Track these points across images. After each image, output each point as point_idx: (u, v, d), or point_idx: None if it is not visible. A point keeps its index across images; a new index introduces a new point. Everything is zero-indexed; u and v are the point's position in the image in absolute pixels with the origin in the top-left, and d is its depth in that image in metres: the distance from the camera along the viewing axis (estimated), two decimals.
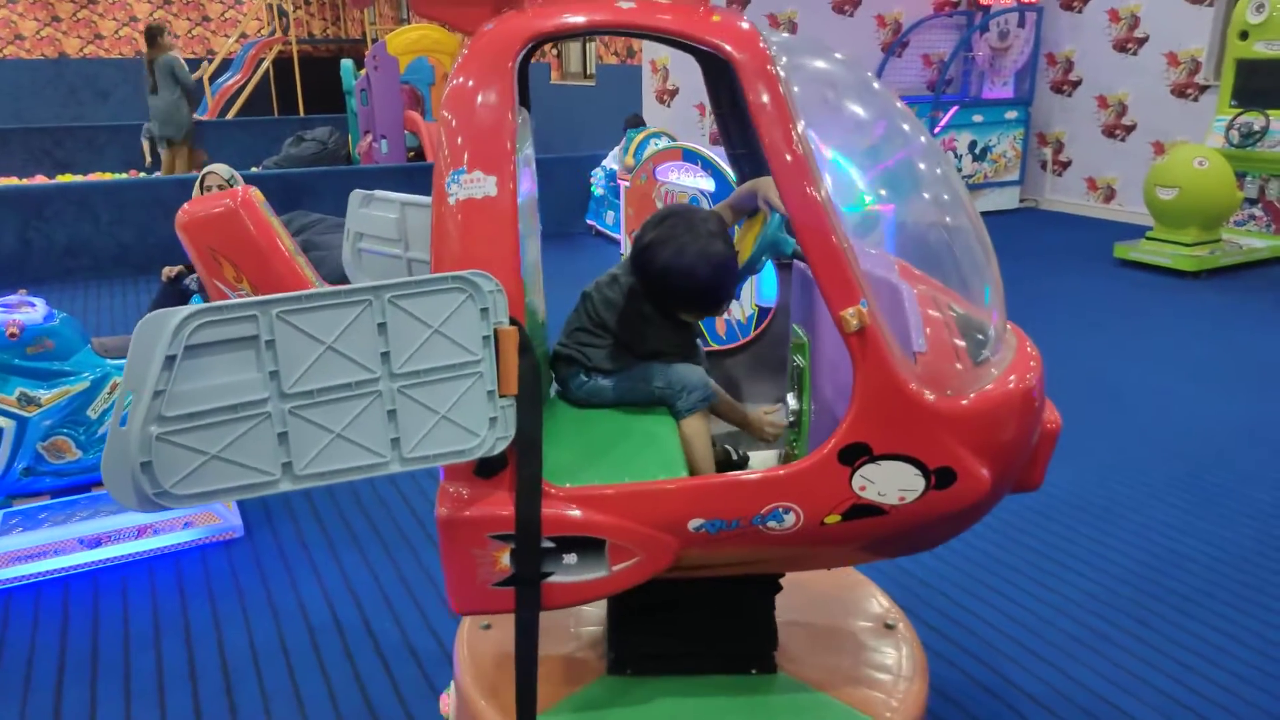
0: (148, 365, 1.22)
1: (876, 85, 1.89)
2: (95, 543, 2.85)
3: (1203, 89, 7.43)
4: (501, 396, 1.40)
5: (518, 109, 1.53)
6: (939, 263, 1.80)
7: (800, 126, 1.50)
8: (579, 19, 1.53)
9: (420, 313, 1.34)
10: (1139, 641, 2.42)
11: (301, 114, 13.50)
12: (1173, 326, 5.15)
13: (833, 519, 1.58)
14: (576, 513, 1.53)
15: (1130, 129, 8.02)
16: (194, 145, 9.23)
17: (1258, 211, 6.63)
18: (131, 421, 1.22)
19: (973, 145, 8.27)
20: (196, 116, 10.21)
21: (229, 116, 12.70)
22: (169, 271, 4.65)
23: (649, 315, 1.81)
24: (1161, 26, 7.66)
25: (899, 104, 1.84)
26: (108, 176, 9.48)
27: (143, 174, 9.72)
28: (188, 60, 10.64)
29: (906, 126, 1.80)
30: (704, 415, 1.83)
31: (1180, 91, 7.60)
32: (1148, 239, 6.44)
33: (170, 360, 1.21)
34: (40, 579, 2.76)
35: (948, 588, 2.66)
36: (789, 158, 1.48)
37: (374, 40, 12.39)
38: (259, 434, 1.27)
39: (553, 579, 1.54)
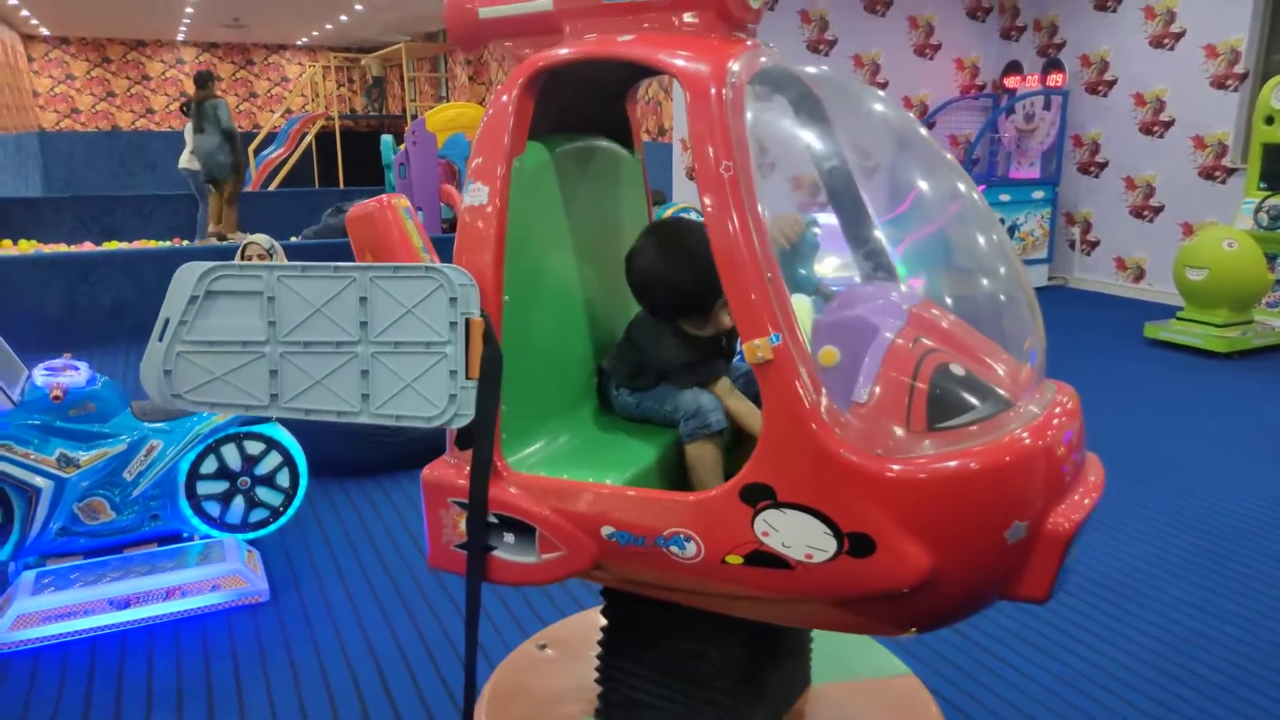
0: (179, 300, 1.61)
1: (910, 125, 1.83)
2: (124, 604, 2.89)
3: (1230, 171, 7.48)
4: (468, 379, 1.58)
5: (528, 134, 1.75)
6: (975, 313, 1.69)
7: (741, 152, 1.49)
8: (565, 52, 1.71)
9: (397, 294, 1.58)
10: None
11: (341, 186, 13.90)
12: (1202, 406, 5.11)
13: (734, 559, 1.53)
14: (517, 496, 1.66)
15: (1158, 210, 8.06)
16: (233, 199, 9.62)
17: None
18: (165, 339, 1.62)
19: (1000, 224, 8.33)
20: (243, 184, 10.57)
21: (271, 188, 13.09)
22: None
23: (657, 328, 1.90)
24: (1187, 110, 7.75)
25: (929, 142, 1.82)
26: (153, 244, 9.79)
27: (186, 242, 10.02)
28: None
29: (950, 177, 1.78)
30: (710, 442, 1.79)
31: (1208, 174, 7.65)
32: (1178, 319, 6.43)
33: (194, 299, 1.61)
34: (69, 639, 2.81)
35: (961, 659, 2.64)
36: (715, 180, 1.50)
37: (414, 117, 12.80)
38: (256, 368, 1.60)
39: (495, 553, 1.69)
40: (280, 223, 10.15)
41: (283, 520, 3.25)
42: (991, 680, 2.56)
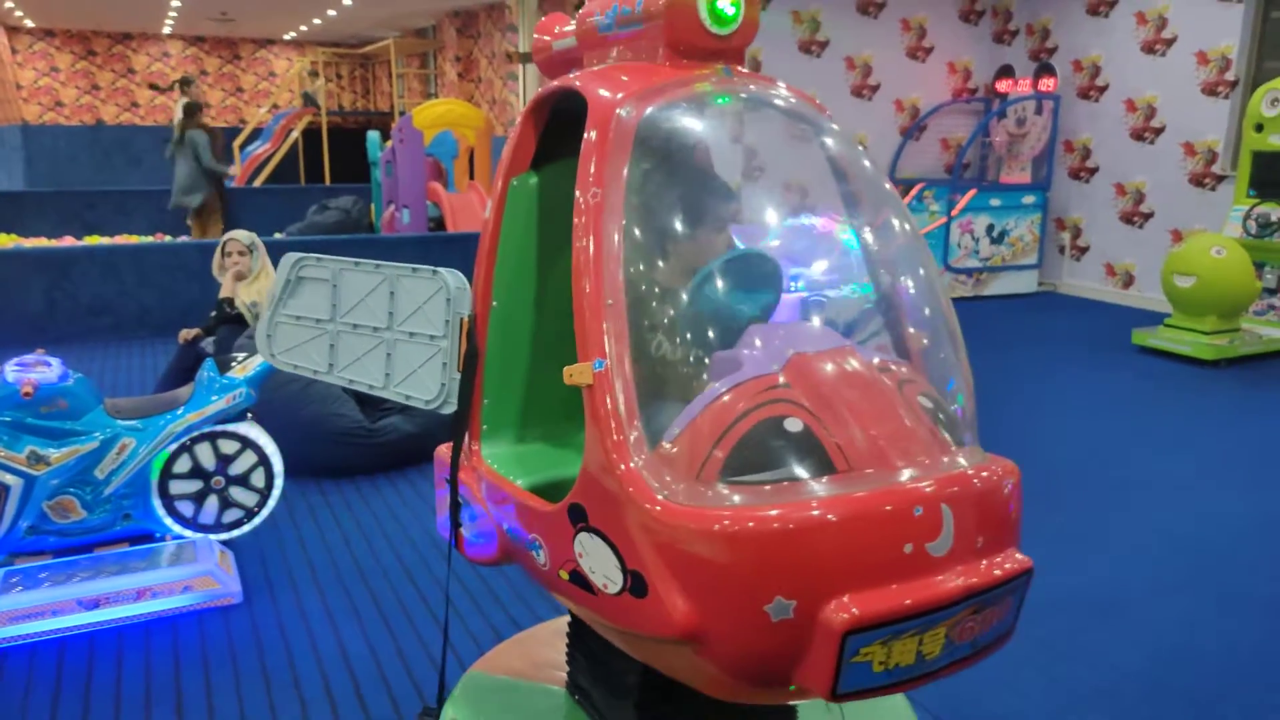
0: (279, 282, 1.95)
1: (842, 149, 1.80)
2: (94, 604, 2.82)
3: (1220, 179, 7.48)
4: (456, 372, 1.79)
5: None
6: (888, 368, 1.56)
7: (615, 182, 1.53)
8: (554, 84, 1.84)
9: (413, 291, 1.81)
10: None
11: (327, 183, 13.80)
12: (1190, 415, 5.09)
13: (564, 574, 1.57)
14: (474, 482, 1.85)
15: (1148, 216, 8.06)
16: (212, 217, 9.43)
17: (1277, 302, 6.60)
18: (269, 311, 1.97)
19: (990, 228, 8.32)
20: (227, 178, 10.43)
21: (256, 184, 12.99)
22: (186, 335, 4.70)
23: None
24: (1178, 117, 7.75)
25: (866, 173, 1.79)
26: (134, 239, 9.67)
27: (168, 238, 9.90)
28: (222, 129, 10.94)
29: (888, 224, 1.74)
30: None
31: (1198, 181, 7.65)
32: (1166, 326, 6.42)
33: (288, 282, 1.94)
34: (37, 639, 2.74)
35: (951, 680, 2.58)
36: (582, 203, 1.55)
37: (401, 113, 12.71)
38: (321, 341, 1.93)
39: (462, 529, 1.90)
40: (266, 219, 10.05)
41: (257, 521, 3.18)
42: (980, 695, 2.51)
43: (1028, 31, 8.95)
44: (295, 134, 14.12)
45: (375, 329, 1.85)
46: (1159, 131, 7.91)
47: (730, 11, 1.68)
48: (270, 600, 2.97)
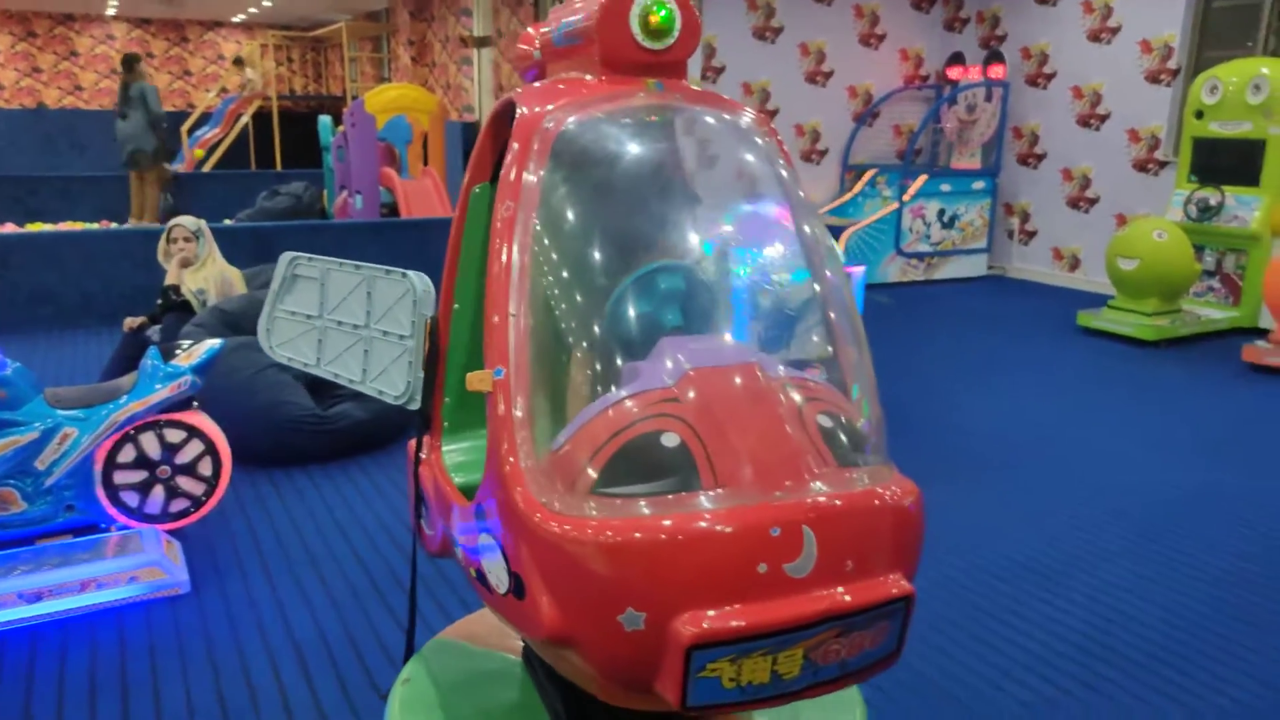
0: (277, 278, 2.03)
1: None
2: (35, 598, 2.77)
3: (1162, 164, 7.64)
4: (421, 370, 1.87)
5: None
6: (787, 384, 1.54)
7: (529, 196, 1.59)
8: (506, 96, 1.86)
9: (386, 292, 1.90)
10: (1085, 707, 2.41)
11: (278, 168, 13.58)
12: (1132, 393, 5.22)
13: (472, 571, 1.61)
14: (428, 478, 1.92)
15: (1094, 201, 8.21)
16: (161, 176, 9.36)
17: (1215, 284, 6.78)
18: (268, 306, 2.05)
19: (941, 213, 8.44)
20: (173, 168, 10.27)
21: (206, 169, 12.75)
22: (131, 323, 4.62)
23: None
24: (1123, 104, 7.90)
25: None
26: (78, 226, 9.46)
27: (114, 224, 9.70)
28: (169, 114, 10.74)
29: (795, 237, 1.74)
30: None
31: (1141, 166, 7.81)
32: (1109, 308, 6.56)
33: (284, 279, 2.03)
34: None
35: None
36: (498, 216, 1.62)
37: (354, 98, 12.54)
38: (311, 335, 2.01)
39: (422, 521, 1.96)
40: (215, 205, 9.88)
41: (205, 511, 3.15)
42: (921, 665, 2.57)
43: (978, 19, 9.05)
44: (245, 118, 13.87)
45: (355, 326, 1.95)
46: (1104, 118, 8.06)
47: (664, 26, 1.69)
48: (219, 590, 2.94)
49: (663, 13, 1.69)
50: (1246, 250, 6.55)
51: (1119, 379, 5.53)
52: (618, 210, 1.77)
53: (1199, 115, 6.75)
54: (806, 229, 1.76)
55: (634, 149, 1.75)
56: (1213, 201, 6.58)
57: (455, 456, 2.02)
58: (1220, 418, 4.78)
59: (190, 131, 13.40)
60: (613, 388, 1.52)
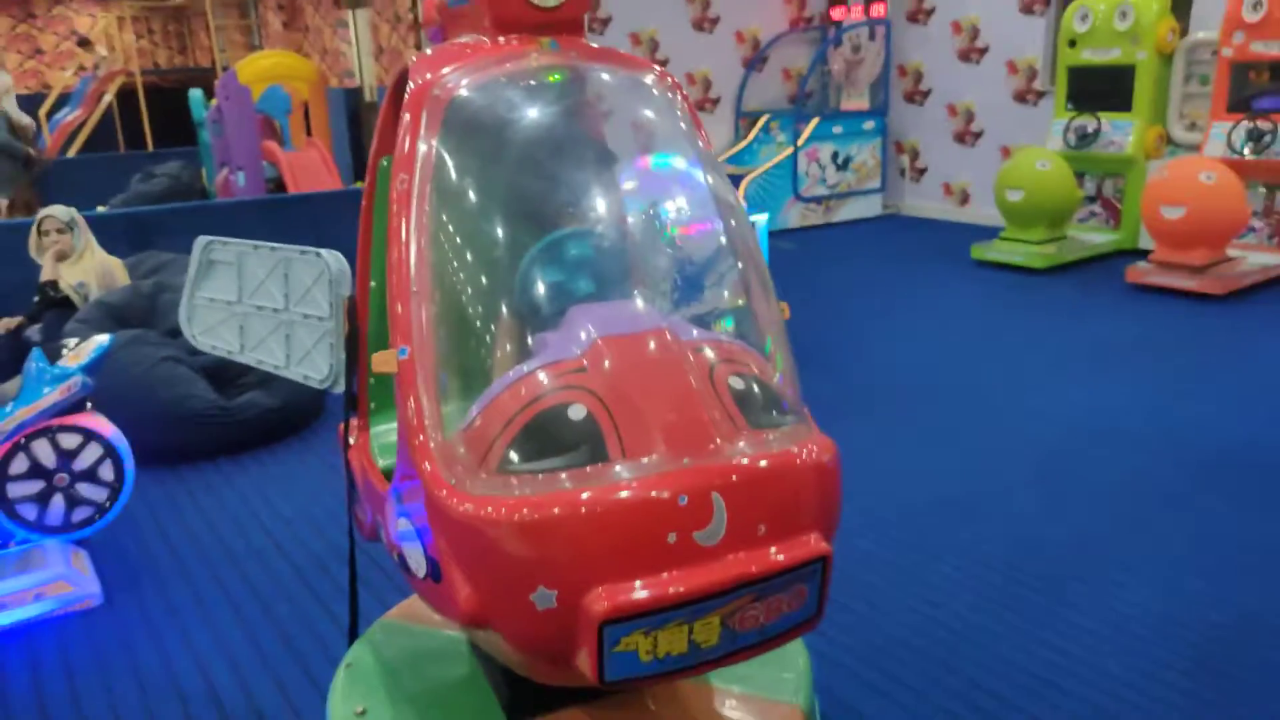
0: (193, 265, 1.98)
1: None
2: None
3: (1040, 95, 7.88)
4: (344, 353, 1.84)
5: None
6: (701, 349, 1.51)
7: (424, 168, 1.55)
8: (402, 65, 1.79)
9: (303, 273, 1.85)
10: (1010, 629, 2.51)
11: (150, 149, 12.89)
12: (1028, 320, 5.42)
13: (395, 555, 1.58)
14: (357, 461, 1.91)
15: (978, 135, 8.43)
16: (27, 196, 8.77)
17: (1097, 209, 7.06)
18: (185, 293, 2.00)
19: (835, 156, 8.54)
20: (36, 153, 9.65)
21: (70, 155, 12.01)
22: (7, 324, 4.35)
23: None
24: (999, 36, 8.10)
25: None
26: None
27: None
28: (21, 97, 10.04)
29: (703, 192, 1.71)
30: None
31: (1021, 98, 8.04)
32: (1001, 239, 6.77)
33: (200, 265, 1.98)
34: None
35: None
36: (393, 191, 1.58)
37: (224, 69, 11.94)
38: (232, 322, 1.96)
39: (356, 507, 1.95)
40: (85, 192, 9.30)
41: (110, 517, 2.99)
42: (855, 603, 2.64)
43: None
44: (109, 98, 13.07)
45: (275, 310, 1.90)
46: (984, 51, 8.25)
47: None
48: (135, 599, 2.82)
49: None
50: (1124, 174, 6.83)
51: (1015, 307, 5.73)
52: (517, 176, 1.72)
53: (1072, 44, 6.97)
54: (712, 184, 1.74)
55: (528, 112, 1.69)
56: (1090, 129, 6.83)
57: (387, 437, 1.98)
58: (1111, 337, 5.01)
59: (49, 115, 12.57)
60: (516, 360, 1.50)
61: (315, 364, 1.86)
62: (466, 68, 1.63)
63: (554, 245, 1.67)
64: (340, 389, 1.85)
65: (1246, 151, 5.93)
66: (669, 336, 1.49)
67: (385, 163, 1.91)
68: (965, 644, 2.46)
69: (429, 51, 1.77)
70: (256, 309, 1.93)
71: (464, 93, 1.62)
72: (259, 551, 3.07)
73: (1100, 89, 6.87)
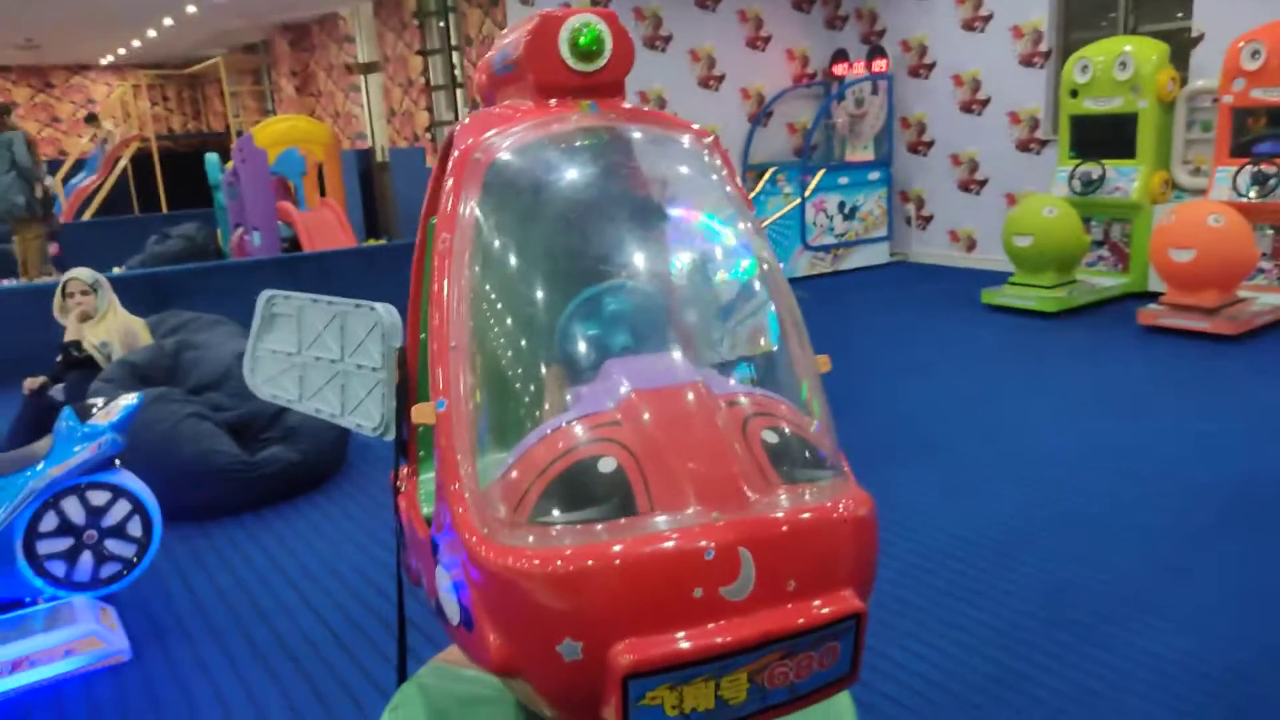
0: (257, 318, 2.06)
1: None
2: None
3: (1044, 143, 7.99)
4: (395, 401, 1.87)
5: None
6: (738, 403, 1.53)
7: (465, 227, 1.61)
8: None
9: (357, 325, 1.92)
10: (1050, 674, 2.49)
11: (165, 211, 13.08)
12: (1041, 363, 5.43)
13: (432, 602, 1.60)
14: (405, 508, 1.90)
15: (983, 183, 8.53)
16: (46, 233, 8.91)
17: (1105, 253, 7.11)
18: (250, 345, 2.09)
19: (841, 205, 8.64)
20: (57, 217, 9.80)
21: (85, 218, 12.19)
22: (31, 384, 4.38)
23: None
24: (1000, 89, 8.24)
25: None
26: None
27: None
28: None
29: (738, 249, 1.74)
30: None
31: (1024, 146, 8.15)
32: (1010, 284, 6.82)
33: (264, 318, 2.06)
34: None
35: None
36: (437, 247, 1.64)
37: (239, 133, 12.17)
38: (292, 372, 2.03)
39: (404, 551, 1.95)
40: (101, 254, 9.43)
41: (138, 572, 3.00)
42: (892, 649, 2.62)
43: (857, 16, 9.32)
44: (124, 162, 13.32)
45: (332, 361, 1.97)
46: (985, 103, 8.38)
47: (592, 48, 1.69)
48: (163, 654, 2.81)
49: (589, 35, 1.69)
50: (1130, 219, 6.90)
51: (1028, 350, 5.75)
52: (555, 234, 1.76)
53: (1074, 94, 7.08)
54: (748, 238, 1.78)
55: (566, 172, 1.74)
56: (1094, 175, 6.91)
57: (432, 484, 2.00)
58: (1126, 379, 5.02)
59: (65, 180, 12.80)
60: (559, 413, 1.51)
61: (368, 413, 1.91)
62: (507, 131, 1.68)
63: (592, 300, 1.70)
64: (390, 436, 1.88)
65: (1252, 194, 5.99)
66: (702, 390, 1.50)
67: (434, 222, 1.96)
68: (999, 686, 2.44)
69: (472, 116, 1.83)
70: (315, 359, 1.99)
71: (503, 155, 1.67)
72: (286, 605, 3.06)
73: (1103, 137, 6.98)
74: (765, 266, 1.74)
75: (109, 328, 4.47)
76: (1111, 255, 7.08)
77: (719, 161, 1.81)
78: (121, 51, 16.02)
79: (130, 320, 4.59)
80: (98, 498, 2.94)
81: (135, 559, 3.00)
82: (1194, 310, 5.68)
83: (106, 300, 4.51)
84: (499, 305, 1.62)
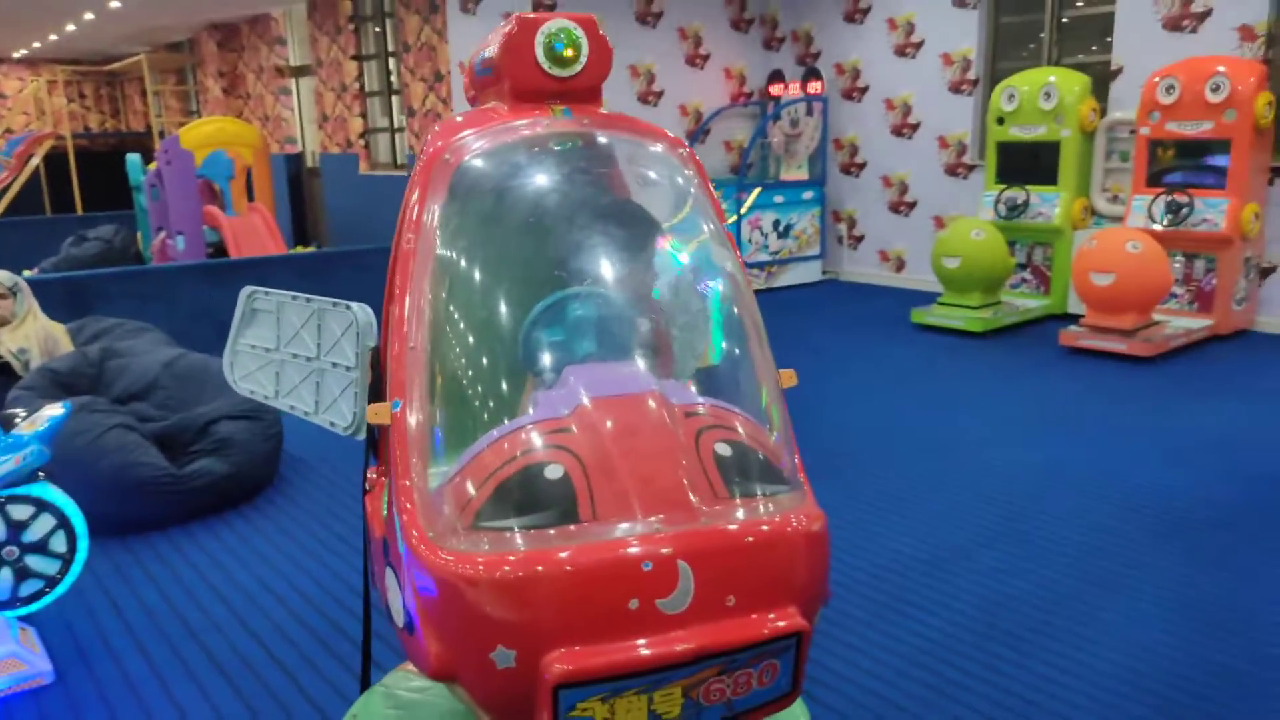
0: (237, 313, 2.04)
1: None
2: None
3: (971, 168, 8.24)
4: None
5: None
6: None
7: (428, 230, 1.62)
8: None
9: (334, 324, 1.90)
10: (988, 685, 2.55)
11: (80, 212, 12.62)
12: (970, 381, 5.59)
13: (384, 605, 1.60)
14: (371, 509, 1.81)
15: (913, 205, 8.75)
16: None
17: (1028, 275, 7.36)
18: (230, 340, 2.06)
19: (776, 223, 8.77)
20: None
21: None
22: None
23: None
24: (930, 114, 8.47)
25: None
26: None
27: None
28: None
29: (706, 262, 1.77)
30: None
31: (952, 171, 8.39)
32: (939, 304, 7.00)
33: (244, 314, 2.03)
34: None
35: None
36: (398, 249, 1.65)
37: (160, 133, 11.80)
38: (269, 368, 2.02)
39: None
40: (10, 255, 9.04)
41: (60, 590, 2.87)
42: (830, 660, 2.66)
43: (793, 38, 9.49)
44: (36, 160, 12.80)
45: (308, 359, 1.97)
46: (915, 127, 8.61)
47: (566, 54, 1.69)
48: (88, 675, 2.70)
49: (563, 41, 1.70)
50: (1051, 243, 7.15)
51: (957, 369, 5.91)
52: (519, 238, 1.76)
53: (1000, 121, 7.33)
54: (715, 247, 1.79)
55: (534, 176, 1.74)
56: (1019, 200, 7.15)
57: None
58: (1050, 397, 5.19)
59: None
60: (511, 418, 1.51)
61: (341, 411, 1.90)
62: (478, 134, 1.67)
63: (556, 306, 1.70)
64: (360, 436, 1.86)
65: (1165, 223, 6.27)
66: (659, 399, 1.49)
67: None
68: (939, 696, 2.49)
69: (445, 120, 1.83)
70: (292, 356, 1.99)
71: (470, 158, 1.67)
72: (217, 622, 2.96)
73: (1027, 164, 7.23)
74: (733, 275, 1.76)
75: (28, 333, 4.29)
76: (1034, 278, 7.32)
77: (692, 169, 1.82)
78: (36, 45, 15.42)
79: (50, 326, 4.41)
80: (20, 512, 2.81)
81: (59, 576, 2.86)
82: (1112, 332, 5.91)
83: (26, 304, 4.33)
84: (461, 308, 1.62)
